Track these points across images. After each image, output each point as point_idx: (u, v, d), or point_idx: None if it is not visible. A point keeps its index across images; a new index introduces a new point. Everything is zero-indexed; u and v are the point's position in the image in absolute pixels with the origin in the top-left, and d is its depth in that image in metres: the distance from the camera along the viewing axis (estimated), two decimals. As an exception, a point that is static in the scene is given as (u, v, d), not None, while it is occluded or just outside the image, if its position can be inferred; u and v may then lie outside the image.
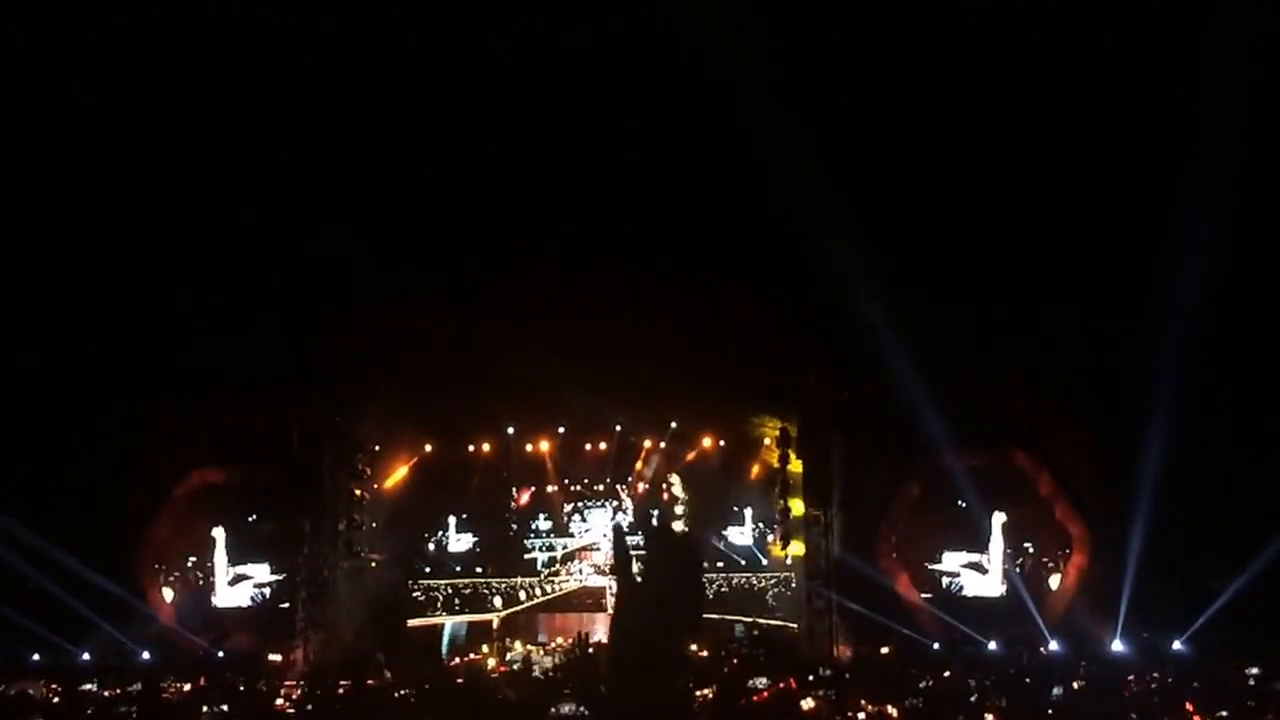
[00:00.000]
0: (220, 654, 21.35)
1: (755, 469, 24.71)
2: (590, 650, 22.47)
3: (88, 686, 16.50)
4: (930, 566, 22.70)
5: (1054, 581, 22.15)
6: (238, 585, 23.40)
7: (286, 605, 22.39)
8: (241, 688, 16.05)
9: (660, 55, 19.36)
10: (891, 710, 13.85)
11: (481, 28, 19.29)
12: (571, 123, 20.58)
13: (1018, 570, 22.21)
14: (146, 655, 21.42)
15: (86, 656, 20.93)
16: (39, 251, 20.30)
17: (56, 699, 14.95)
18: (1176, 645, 19.97)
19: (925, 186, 20.56)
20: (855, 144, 20.28)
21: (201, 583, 23.39)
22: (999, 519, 22.20)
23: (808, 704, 15.31)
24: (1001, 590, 22.21)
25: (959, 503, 22.24)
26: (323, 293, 21.10)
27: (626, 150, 20.69)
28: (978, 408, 21.81)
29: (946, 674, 17.83)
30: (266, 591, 23.39)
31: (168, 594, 23.01)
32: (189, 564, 23.41)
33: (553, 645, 23.37)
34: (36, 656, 20.43)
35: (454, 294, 21.47)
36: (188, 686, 17.93)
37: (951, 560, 22.64)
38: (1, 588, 19.93)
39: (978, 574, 22.44)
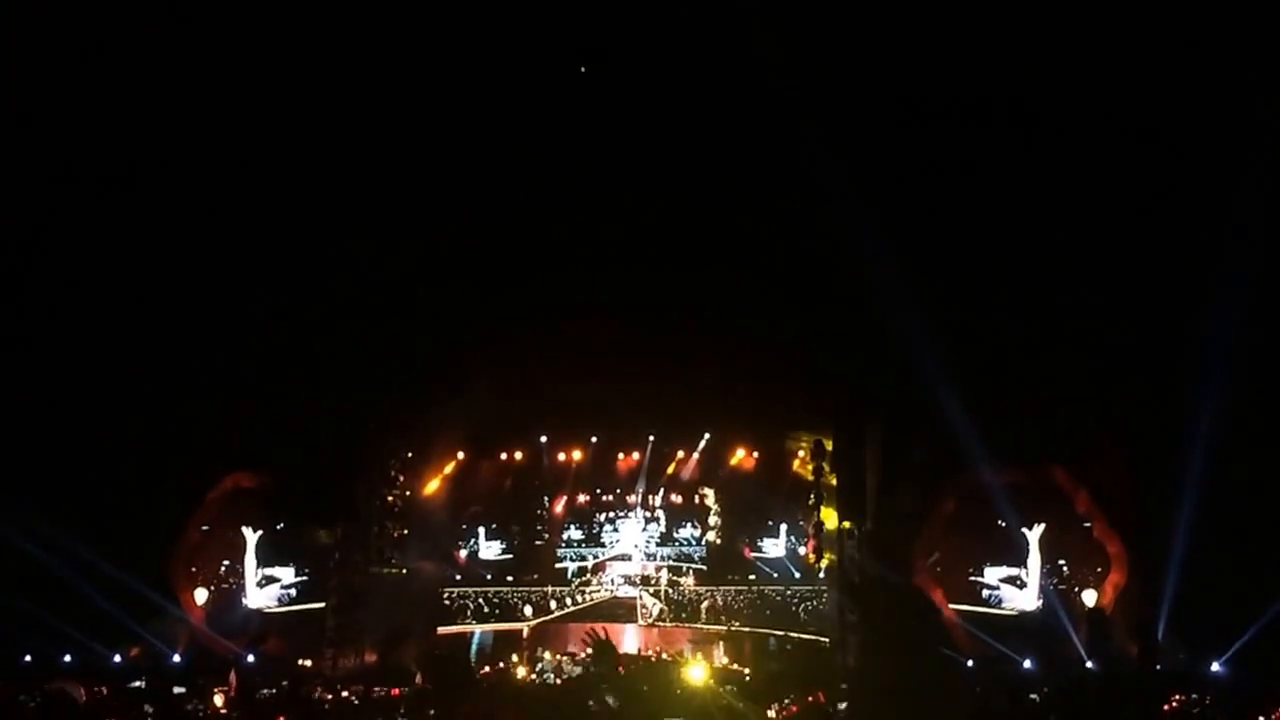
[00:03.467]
0: (251, 658, 21.31)
1: (789, 481, 24.57)
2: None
3: (137, 684, 16.47)
4: (972, 578, 22.54)
5: (1090, 599, 21.93)
6: (267, 587, 23.57)
7: (318, 608, 22.43)
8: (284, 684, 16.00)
9: (692, 60, 19.38)
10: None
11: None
12: (602, 127, 20.59)
13: (1054, 587, 22.04)
14: (177, 658, 21.51)
15: (118, 659, 21.01)
16: (72, 259, 20.41)
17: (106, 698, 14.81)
18: (1215, 666, 19.71)
19: (965, 200, 20.50)
20: (894, 157, 20.24)
21: (232, 586, 23.49)
22: (1036, 533, 22.05)
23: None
24: (1038, 605, 22.05)
25: (996, 519, 22.09)
26: (356, 300, 21.11)
27: (662, 163, 20.71)
28: (1015, 424, 21.67)
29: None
30: (293, 592, 23.52)
31: (199, 598, 23.08)
32: (221, 568, 23.51)
33: (581, 655, 23.22)
34: (68, 658, 20.48)
35: (487, 303, 21.48)
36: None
37: (992, 574, 22.53)
38: (34, 589, 19.98)
39: (1016, 588, 22.29)
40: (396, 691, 17.19)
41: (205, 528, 23.50)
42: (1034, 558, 22.13)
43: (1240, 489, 19.39)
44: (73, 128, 19.02)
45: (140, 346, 21.11)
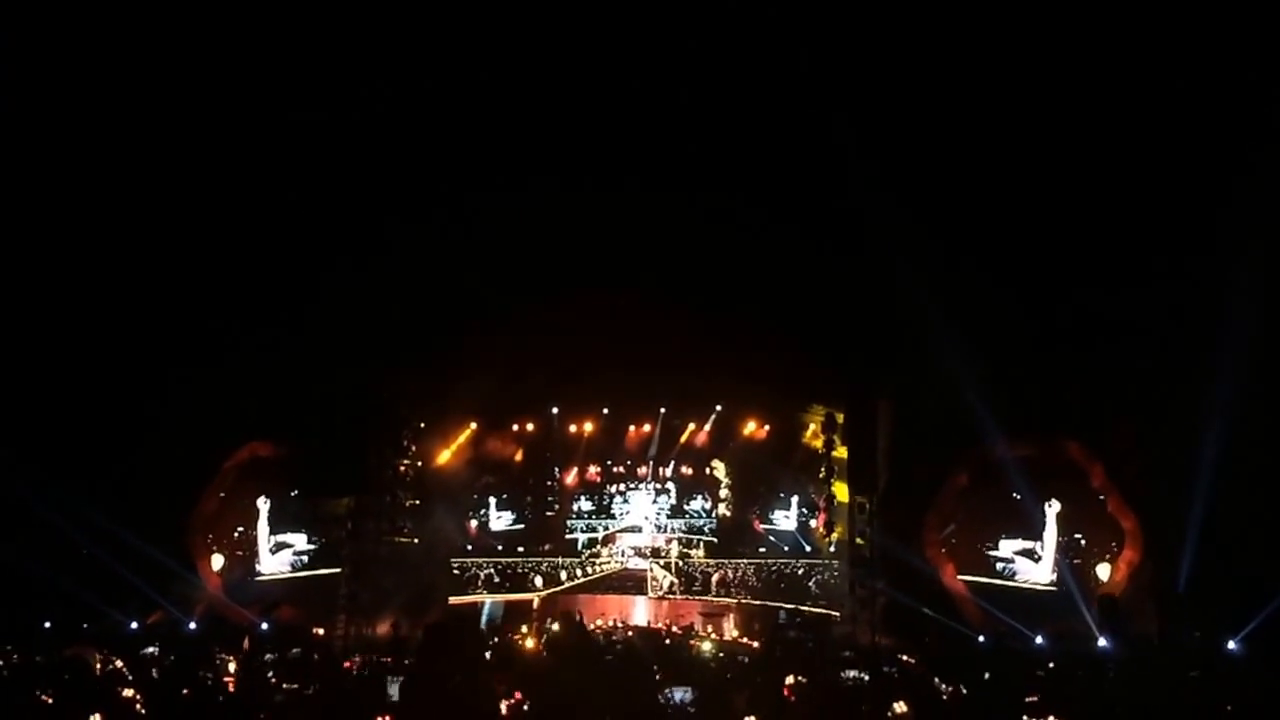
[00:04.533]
0: (265, 626, 21.52)
1: (801, 454, 24.41)
2: (629, 633, 22.50)
3: (150, 650, 16.70)
4: (987, 551, 22.42)
5: (1104, 575, 21.76)
6: (279, 553, 23.88)
7: (331, 575, 22.68)
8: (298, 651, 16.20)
9: (706, 30, 19.10)
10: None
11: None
12: (612, 104, 20.40)
13: (1068, 562, 21.87)
14: (193, 625, 21.80)
15: (135, 625, 21.30)
16: (95, 227, 20.51)
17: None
18: (1231, 645, 19.50)
19: (980, 168, 20.18)
20: (907, 125, 19.95)
21: (247, 553, 23.78)
22: (1053, 509, 21.86)
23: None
24: (1052, 578, 21.88)
25: (1011, 492, 21.92)
26: (370, 272, 21.11)
27: (675, 136, 20.49)
28: (1029, 397, 21.44)
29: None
30: (305, 558, 23.77)
31: (215, 564, 23.38)
32: (236, 535, 23.78)
33: (593, 627, 23.34)
34: (86, 624, 20.78)
35: (500, 274, 21.42)
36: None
37: (1006, 547, 22.37)
38: (54, 556, 20.29)
39: (1030, 561, 22.14)
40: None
41: (222, 495, 23.77)
42: (1050, 532, 21.92)
43: (1257, 465, 19.13)
44: (85, 101, 19.13)
45: (159, 317, 21.29)
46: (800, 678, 14.81)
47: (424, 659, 11.36)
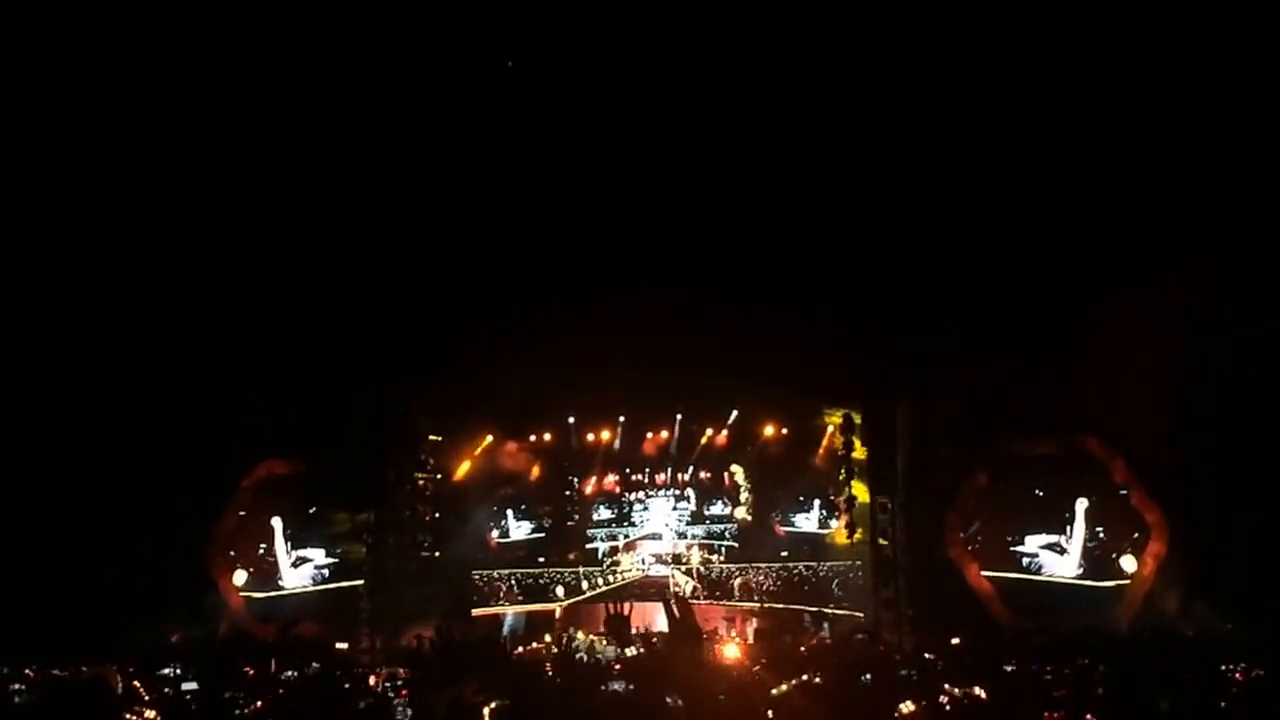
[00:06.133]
0: (288, 642, 21.55)
1: (820, 456, 24.30)
2: (654, 640, 22.35)
3: (167, 671, 16.71)
4: (1013, 548, 22.24)
5: (1129, 566, 21.49)
6: (300, 567, 23.95)
7: (353, 588, 22.72)
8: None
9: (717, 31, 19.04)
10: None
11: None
12: (620, 106, 20.34)
13: (1093, 555, 21.66)
14: (218, 643, 21.88)
15: (159, 644, 21.38)
16: (107, 247, 20.64)
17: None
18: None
19: (991, 166, 20.01)
20: (918, 124, 19.80)
21: (269, 569, 23.87)
22: (1082, 506, 21.67)
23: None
24: (1079, 572, 21.67)
25: (1034, 491, 21.78)
26: (384, 286, 21.16)
27: (686, 139, 20.42)
28: (1048, 394, 21.20)
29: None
30: (326, 572, 23.85)
31: (238, 580, 23.50)
32: (259, 551, 23.89)
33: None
34: (110, 643, 20.86)
35: (514, 284, 21.43)
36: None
37: (1032, 542, 22.20)
38: (79, 576, 20.44)
39: (1056, 554, 21.93)
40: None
41: (242, 513, 23.88)
42: (1079, 526, 21.71)
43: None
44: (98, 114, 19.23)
45: (172, 339, 21.41)
46: (806, 679, 14.68)
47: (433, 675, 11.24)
